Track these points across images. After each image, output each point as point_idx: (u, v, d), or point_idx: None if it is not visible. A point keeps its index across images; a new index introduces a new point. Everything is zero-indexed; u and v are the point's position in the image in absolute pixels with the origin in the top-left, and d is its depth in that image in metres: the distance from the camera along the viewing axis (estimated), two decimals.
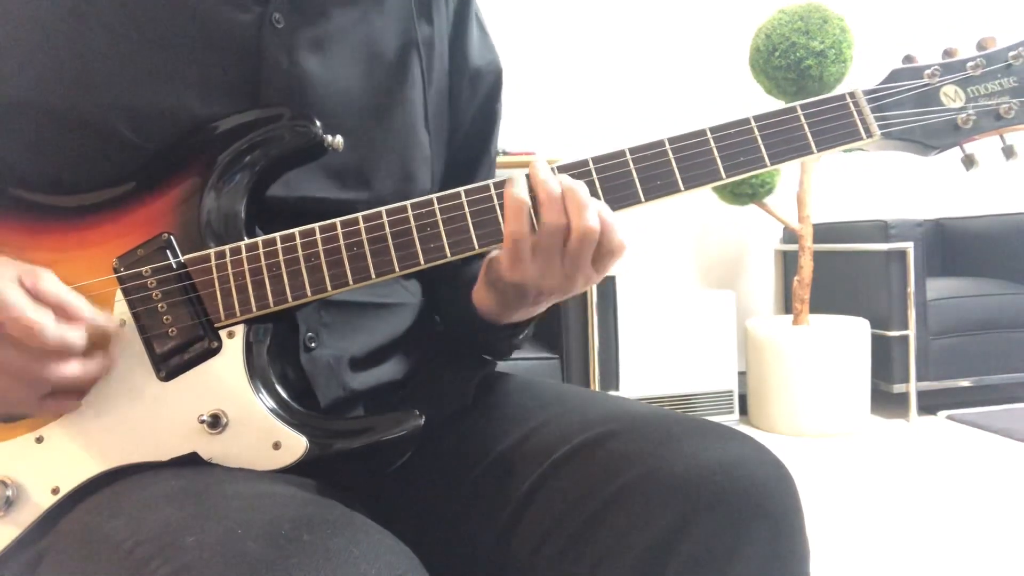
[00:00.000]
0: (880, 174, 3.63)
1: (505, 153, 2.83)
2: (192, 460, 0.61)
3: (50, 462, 0.61)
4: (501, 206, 0.65)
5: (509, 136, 3.02)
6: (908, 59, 0.70)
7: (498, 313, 0.72)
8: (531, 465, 0.67)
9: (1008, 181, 3.69)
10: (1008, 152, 0.69)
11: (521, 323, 0.75)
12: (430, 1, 0.81)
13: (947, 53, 0.70)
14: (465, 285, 0.76)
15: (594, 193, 0.66)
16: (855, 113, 0.68)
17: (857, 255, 3.15)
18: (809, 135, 0.67)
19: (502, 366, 0.87)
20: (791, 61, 2.77)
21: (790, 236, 3.36)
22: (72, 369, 0.59)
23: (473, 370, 0.82)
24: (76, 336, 0.58)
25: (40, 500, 0.61)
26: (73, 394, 0.61)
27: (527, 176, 0.65)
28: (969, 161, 0.69)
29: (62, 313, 0.58)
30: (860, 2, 3.35)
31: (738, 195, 2.99)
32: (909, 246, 2.94)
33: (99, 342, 0.61)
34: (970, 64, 0.69)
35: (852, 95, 0.68)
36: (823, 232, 3.19)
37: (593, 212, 0.63)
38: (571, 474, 0.64)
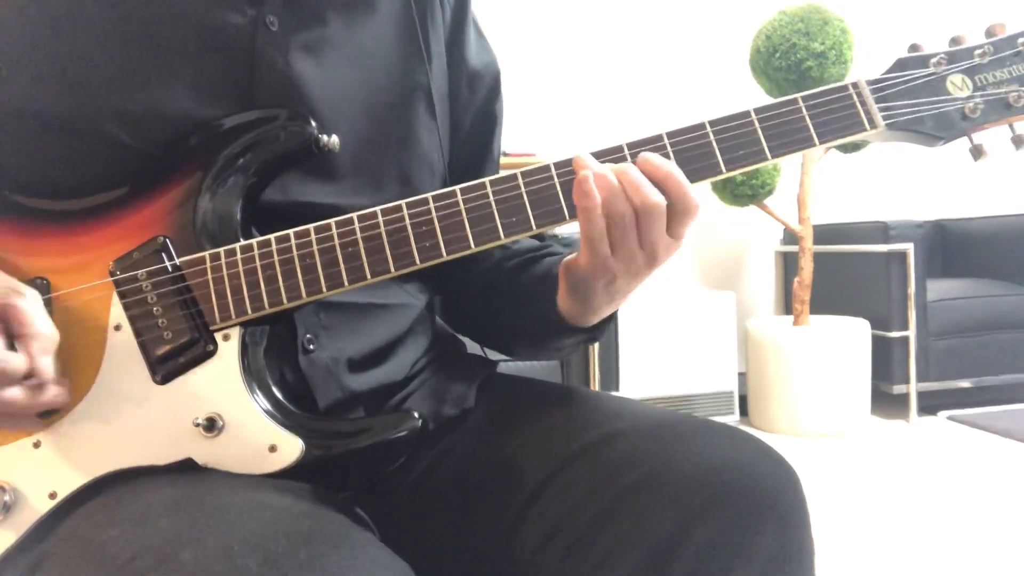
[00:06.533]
0: (880, 175, 3.63)
1: (505, 154, 2.83)
2: (188, 466, 0.60)
3: (47, 467, 0.61)
4: (497, 203, 0.64)
5: (509, 136, 3.02)
6: (914, 48, 0.68)
7: (585, 315, 0.71)
8: (538, 465, 0.66)
9: (1008, 182, 3.69)
10: (1018, 142, 0.67)
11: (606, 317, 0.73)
12: (427, 7, 0.80)
13: (954, 41, 0.68)
14: (531, 296, 0.74)
15: None
16: (858, 104, 0.66)
17: (857, 256, 3.15)
18: (811, 127, 0.65)
19: (502, 367, 0.87)
20: (791, 62, 2.77)
21: (790, 237, 3.35)
22: (5, 394, 0.57)
23: (475, 372, 0.81)
24: (14, 363, 0.56)
25: (38, 505, 0.60)
26: (15, 417, 0.60)
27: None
28: (977, 151, 0.67)
29: (17, 338, 0.58)
30: (861, 3, 3.35)
31: (738, 196, 2.98)
32: (909, 247, 2.94)
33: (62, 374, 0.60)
34: (978, 52, 0.67)
35: (855, 85, 0.66)
36: (823, 233, 3.19)
37: (650, 188, 0.62)
38: (577, 473, 0.64)
